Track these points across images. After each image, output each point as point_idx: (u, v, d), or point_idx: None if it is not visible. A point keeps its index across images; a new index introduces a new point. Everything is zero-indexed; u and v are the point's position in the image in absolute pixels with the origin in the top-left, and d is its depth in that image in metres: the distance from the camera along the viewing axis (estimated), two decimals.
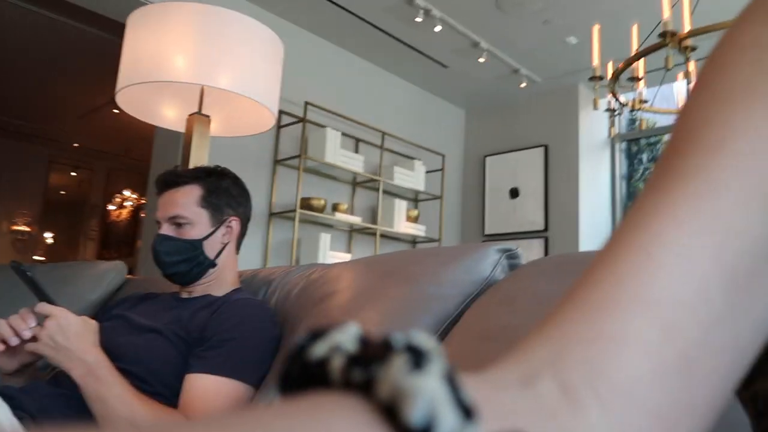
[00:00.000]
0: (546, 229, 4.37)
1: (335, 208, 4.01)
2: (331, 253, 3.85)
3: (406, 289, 0.93)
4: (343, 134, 4.08)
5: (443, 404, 0.16)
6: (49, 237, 7.61)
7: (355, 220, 4.07)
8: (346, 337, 0.18)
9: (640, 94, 2.67)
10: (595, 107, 2.74)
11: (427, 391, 0.16)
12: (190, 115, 2.00)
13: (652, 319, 0.21)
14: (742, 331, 0.21)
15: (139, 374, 1.00)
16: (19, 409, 0.90)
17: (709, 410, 0.21)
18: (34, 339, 0.96)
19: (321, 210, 3.89)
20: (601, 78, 2.61)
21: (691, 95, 0.26)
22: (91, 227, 7.98)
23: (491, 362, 0.83)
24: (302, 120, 3.86)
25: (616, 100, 2.77)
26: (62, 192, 7.74)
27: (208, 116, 2.02)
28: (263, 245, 3.87)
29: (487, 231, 4.68)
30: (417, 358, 0.17)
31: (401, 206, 4.27)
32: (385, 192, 4.30)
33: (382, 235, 4.27)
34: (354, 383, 0.17)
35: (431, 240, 4.49)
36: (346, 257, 3.99)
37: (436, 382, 0.16)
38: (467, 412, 0.16)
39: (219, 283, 1.21)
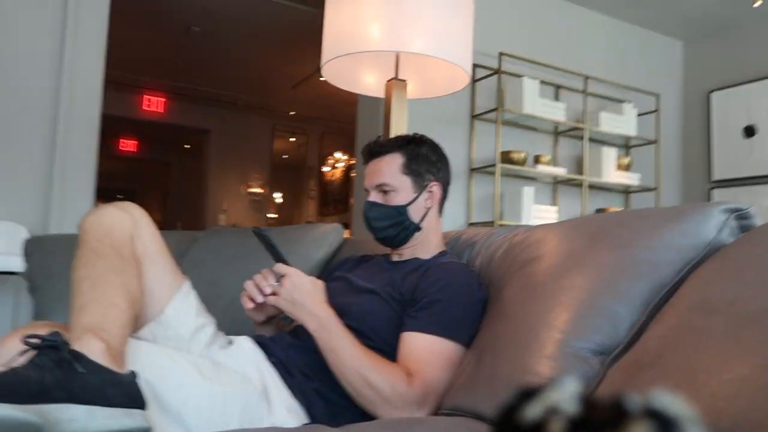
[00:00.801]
0: None
1: (537, 160, 3.90)
2: (535, 206, 3.77)
3: (616, 255, 0.88)
4: (542, 82, 3.90)
5: None
6: (278, 197, 8.64)
7: (559, 171, 3.91)
8: (565, 397, 0.16)
9: None
10: None
11: None
12: (388, 81, 2.09)
13: None
14: None
15: (362, 330, 1.11)
16: (270, 355, 1.07)
17: None
18: (274, 294, 1.12)
19: (522, 163, 3.80)
20: None
21: None
22: (310, 187, 8.87)
23: (716, 338, 0.76)
24: (497, 71, 3.78)
25: None
26: (284, 156, 8.69)
27: (404, 81, 2.09)
28: (466, 201, 3.94)
29: (715, 177, 4.15)
30: (664, 427, 0.14)
31: (610, 154, 3.99)
32: (591, 140, 4.04)
33: (590, 186, 4.04)
34: None
35: (647, 189, 4.13)
36: (551, 210, 3.89)
37: None
38: None
39: (425, 246, 1.28)
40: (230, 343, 1.12)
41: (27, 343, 0.68)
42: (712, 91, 4.25)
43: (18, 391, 0.61)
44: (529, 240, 1.10)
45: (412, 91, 2.27)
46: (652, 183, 4.14)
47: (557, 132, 4.11)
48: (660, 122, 4.16)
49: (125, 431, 0.67)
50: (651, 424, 0.14)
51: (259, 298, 1.13)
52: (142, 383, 0.77)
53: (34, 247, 1.68)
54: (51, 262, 1.62)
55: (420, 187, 1.25)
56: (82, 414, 0.64)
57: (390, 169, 1.24)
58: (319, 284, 1.13)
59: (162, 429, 0.81)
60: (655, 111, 4.16)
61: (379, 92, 2.24)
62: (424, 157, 1.27)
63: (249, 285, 1.15)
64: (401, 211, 1.23)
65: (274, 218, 8.47)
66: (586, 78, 3.98)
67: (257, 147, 8.22)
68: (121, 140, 9.55)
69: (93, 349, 0.74)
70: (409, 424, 0.75)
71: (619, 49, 4.28)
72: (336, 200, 8.47)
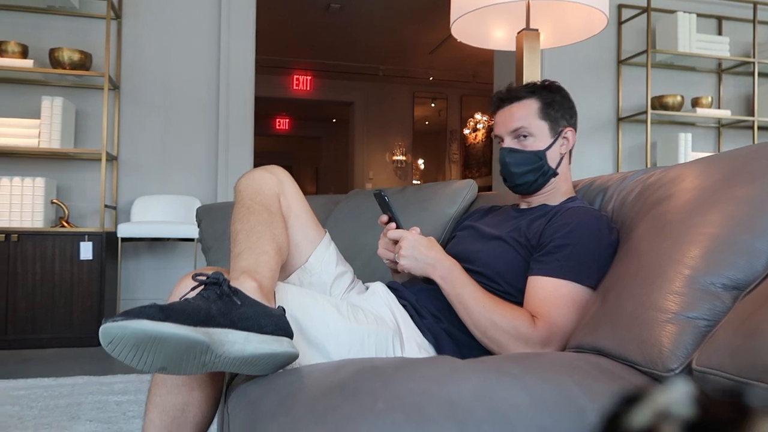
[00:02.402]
0: None
1: (695, 103, 3.55)
2: (693, 154, 3.46)
3: (755, 189, 0.82)
4: (699, 15, 3.52)
5: None
6: (421, 163, 8.78)
7: (723, 113, 3.53)
8: (676, 399, 0.15)
9: None
10: None
11: None
12: (519, 32, 2.04)
13: None
14: None
15: (489, 275, 1.15)
16: (401, 298, 1.15)
17: None
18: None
19: (678, 108, 3.50)
20: None
21: None
22: (453, 151, 8.89)
23: None
24: (646, 9, 3.48)
25: None
26: (426, 122, 8.77)
27: (536, 30, 2.03)
28: (614, 153, 3.72)
29: None
30: None
31: None
32: (763, 75, 3.58)
33: (762, 128, 3.61)
34: None
35: None
36: None
37: None
38: None
39: (555, 193, 1.27)
40: (367, 288, 1.22)
41: (196, 280, 0.82)
42: None
43: (191, 316, 0.74)
44: (663, 179, 1.05)
45: (546, 40, 2.20)
46: None
47: (720, 70, 3.70)
48: None
49: (275, 354, 0.79)
50: None
51: (389, 264, 1.22)
52: (289, 318, 0.88)
53: (204, 214, 1.93)
54: (218, 225, 1.85)
55: (556, 132, 1.25)
56: (240, 338, 0.77)
57: (527, 113, 1.24)
58: (435, 241, 1.18)
59: (308, 357, 0.93)
60: None
61: (512, 45, 2.20)
62: (559, 103, 1.26)
63: (380, 252, 1.23)
64: (540, 156, 1.24)
65: (417, 184, 8.64)
66: (755, 4, 3.52)
67: (399, 115, 8.40)
68: (277, 119, 10.29)
69: (247, 286, 0.86)
70: (528, 357, 0.78)
71: None
72: (480, 163, 8.40)
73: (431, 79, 8.11)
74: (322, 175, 11.06)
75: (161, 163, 3.52)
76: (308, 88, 8.04)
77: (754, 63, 3.47)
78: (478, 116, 8.48)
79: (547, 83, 1.29)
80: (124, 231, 3.13)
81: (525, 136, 1.23)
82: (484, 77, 7.44)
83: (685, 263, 0.79)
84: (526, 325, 1.02)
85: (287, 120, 10.37)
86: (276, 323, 0.82)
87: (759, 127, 3.56)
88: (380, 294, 1.15)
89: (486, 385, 0.65)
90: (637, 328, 0.78)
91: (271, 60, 7.11)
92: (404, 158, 8.41)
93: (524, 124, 1.23)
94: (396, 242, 1.17)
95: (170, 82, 3.53)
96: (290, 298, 0.98)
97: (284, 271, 1.17)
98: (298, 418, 0.61)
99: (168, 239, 3.41)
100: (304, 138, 11.10)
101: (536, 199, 1.28)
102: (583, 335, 0.90)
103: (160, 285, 3.49)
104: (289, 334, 0.83)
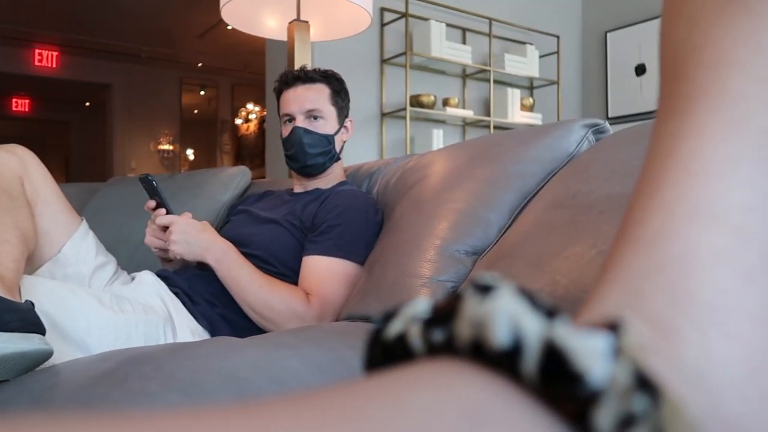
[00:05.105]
0: None
1: (446, 103, 4.00)
2: None
3: (491, 169, 0.97)
4: (448, 25, 3.97)
5: (523, 314, 0.15)
6: (190, 153, 8.36)
7: (467, 113, 4.03)
8: (419, 308, 0.18)
9: None
10: None
11: (502, 310, 0.15)
12: (290, 22, 2.08)
13: (720, 229, 0.20)
14: None
15: (264, 257, 1.16)
16: (173, 286, 1.10)
17: None
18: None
19: (431, 106, 3.89)
20: None
21: (664, 16, 0.26)
22: (224, 142, 8.63)
23: (560, 227, 0.87)
24: (404, 15, 3.80)
25: None
26: (195, 111, 8.38)
27: (306, 22, 2.09)
28: (378, 146, 4.00)
29: (611, 114, 4.43)
30: (484, 291, 0.16)
31: (515, 95, 4.15)
32: (497, 82, 4.18)
33: (496, 127, 4.21)
34: (438, 345, 0.17)
35: None
36: None
37: (509, 300, 0.16)
38: (549, 313, 0.16)
39: (329, 177, 1.33)
40: (133, 279, 1.14)
41: None
42: (608, 31, 4.48)
43: None
44: (420, 164, 1.18)
45: (317, 33, 2.27)
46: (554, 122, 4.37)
47: (465, 75, 4.22)
48: (560, 63, 4.36)
49: (24, 352, 0.69)
50: (476, 292, 0.16)
51: (159, 252, 1.16)
52: (40, 313, 0.79)
53: None
54: None
55: (341, 120, 1.31)
56: None
57: (320, 97, 1.28)
58: (209, 224, 1.16)
59: (65, 354, 0.84)
60: (556, 52, 4.34)
61: (283, 35, 2.22)
62: (344, 93, 1.33)
63: (148, 240, 1.16)
64: (330, 140, 1.28)
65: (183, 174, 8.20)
66: (491, 21, 4.09)
67: (165, 102, 7.87)
68: (14, 99, 8.85)
69: None
70: (305, 329, 0.82)
71: None
72: (252, 154, 8.31)
73: (201, 65, 7.76)
74: (73, 164, 9.83)
75: None
76: (54, 65, 7.06)
77: (490, 71, 4.03)
78: (250, 106, 8.37)
79: (334, 73, 1.35)
80: None
81: (317, 118, 1.27)
82: (257, 67, 7.37)
83: (437, 235, 0.91)
84: (301, 304, 1.05)
85: (27, 101, 8.98)
86: (23, 318, 0.73)
87: (494, 126, 4.15)
88: (148, 283, 1.09)
89: (265, 356, 0.66)
90: (398, 294, 0.88)
91: (5, 29, 6.08)
92: (171, 148, 7.92)
93: (319, 107, 1.27)
94: (166, 229, 1.12)
95: None
96: (40, 292, 0.87)
97: (31, 263, 1.04)
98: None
99: None
100: (50, 122, 9.72)
101: (311, 183, 1.33)
102: (353, 305, 0.97)
103: None
104: (40, 330, 0.74)
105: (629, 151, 0.77)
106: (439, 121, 4.13)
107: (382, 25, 3.85)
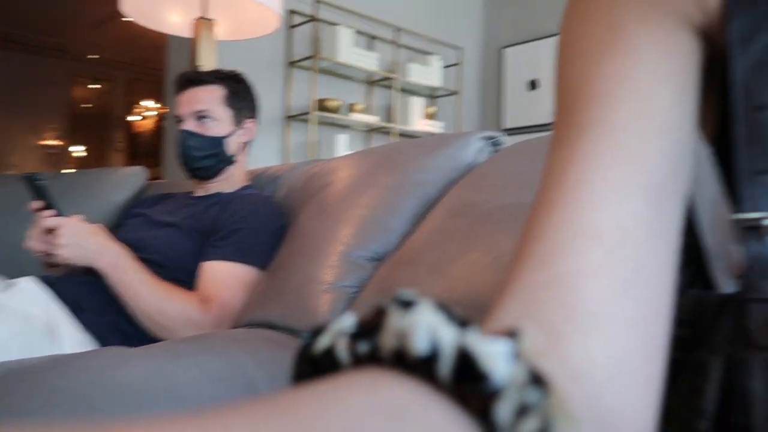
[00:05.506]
0: None
1: (351, 108, 4.02)
2: (350, 153, 3.92)
3: (394, 176, 1.00)
4: (357, 32, 4.01)
5: (440, 325, 0.17)
6: (78, 150, 7.82)
7: (373, 119, 4.08)
8: (346, 323, 0.19)
9: None
10: None
11: (422, 322, 0.17)
12: (195, 19, 2.01)
13: (600, 247, 0.24)
14: (667, 236, 0.25)
15: (160, 262, 1.11)
16: (58, 293, 1.03)
17: (667, 315, 0.25)
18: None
19: (337, 111, 3.90)
20: None
21: (561, 53, 0.30)
22: (117, 139, 8.15)
23: (459, 235, 0.91)
24: (313, 19, 3.79)
25: None
26: (86, 105, 7.85)
27: (212, 20, 2.03)
28: (284, 148, 3.95)
29: (506, 125, 4.65)
30: (406, 305, 0.18)
31: (418, 104, 4.25)
32: (402, 90, 4.27)
33: (400, 134, 4.29)
34: (363, 356, 0.18)
35: None
36: None
37: (428, 313, 0.18)
38: (463, 323, 0.18)
39: (231, 181, 1.30)
40: (10, 285, 1.05)
41: None
42: (505, 46, 4.71)
43: None
44: (325, 170, 1.18)
45: (223, 32, 2.21)
46: (454, 131, 4.52)
47: (371, 81, 4.27)
48: (463, 75, 4.53)
49: None
50: (398, 307, 0.18)
51: (43, 257, 1.08)
52: None
53: None
54: None
55: (238, 121, 1.28)
56: None
57: (212, 98, 1.24)
58: (101, 227, 1.10)
59: None
60: (458, 64, 4.50)
61: (187, 32, 2.14)
62: (243, 94, 1.30)
63: (31, 245, 1.07)
64: (220, 142, 1.24)
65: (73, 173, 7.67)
66: (398, 29, 4.17)
67: (52, 94, 7.31)
68: None
69: None
70: (202, 337, 0.80)
71: (427, 3, 4.53)
72: (147, 153, 7.91)
73: (95, 57, 7.29)
74: None
75: None
76: None
77: (395, 79, 4.11)
78: (148, 103, 7.97)
79: (233, 73, 1.32)
80: None
81: (206, 119, 1.23)
82: (156, 62, 7.04)
83: (340, 240, 0.91)
84: (196, 310, 1.02)
85: None
86: None
87: (398, 133, 4.23)
88: (29, 290, 1.01)
89: (158, 366, 0.64)
90: (300, 300, 0.87)
91: None
92: (58, 143, 7.37)
93: (208, 108, 1.23)
94: (52, 231, 1.04)
95: None
96: None
97: None
98: None
99: None
100: None
101: (212, 186, 1.29)
102: (253, 311, 0.95)
103: None
104: None
105: (522, 163, 0.81)
106: (345, 126, 4.15)
107: (291, 27, 3.81)
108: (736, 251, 0.26)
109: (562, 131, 0.28)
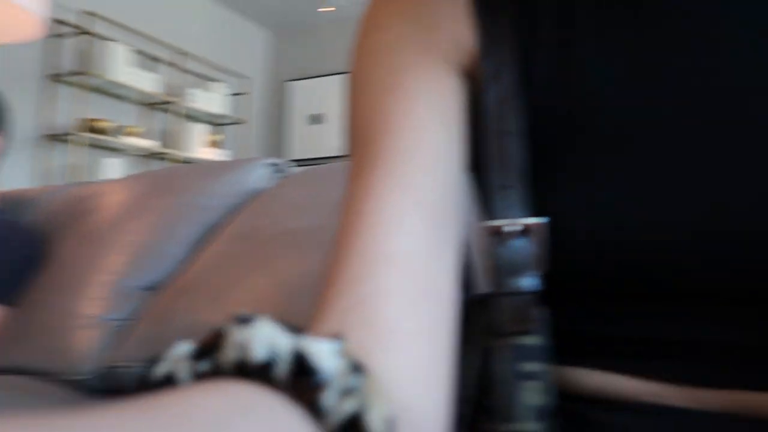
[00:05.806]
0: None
1: (125, 131, 3.73)
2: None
3: (173, 201, 0.94)
4: (137, 51, 3.75)
5: (277, 335, 0.19)
6: None
7: (150, 144, 3.83)
8: (183, 349, 0.20)
9: None
10: None
11: (260, 333, 0.19)
12: None
13: (393, 269, 0.27)
14: (449, 255, 0.29)
15: None
16: None
17: (453, 321, 0.28)
18: None
19: (109, 133, 3.59)
20: None
21: (351, 89, 0.34)
22: None
23: (242, 259, 0.89)
24: (85, 32, 3.46)
25: None
26: None
27: None
28: (38, 171, 3.49)
29: (294, 157, 4.73)
30: (244, 321, 0.20)
31: (201, 130, 4.11)
32: (185, 115, 4.09)
33: (180, 161, 4.09)
34: (205, 374, 0.19)
35: None
36: None
37: (265, 326, 0.19)
38: (297, 331, 0.20)
39: None
40: None
41: None
42: (290, 80, 4.82)
43: None
44: (92, 193, 1.07)
45: None
46: None
47: (149, 104, 4.02)
48: (251, 104, 4.51)
49: None
50: (238, 324, 0.19)
51: None
52: None
53: None
54: None
55: None
56: None
57: None
58: None
59: None
60: (244, 93, 4.48)
61: None
62: None
63: None
64: None
65: None
66: (182, 52, 4.01)
67: None
68: None
69: None
70: None
71: (215, 31, 4.44)
72: None
73: None
74: None
75: None
76: None
77: (176, 102, 3.92)
78: None
79: None
80: None
81: None
82: None
83: (108, 269, 0.83)
84: None
85: None
86: None
87: (179, 160, 4.03)
88: None
89: None
90: (54, 339, 0.77)
91: None
92: None
93: None
94: None
95: None
96: None
97: None
98: None
99: None
100: None
101: None
102: (2, 355, 0.81)
103: None
104: None
105: (305, 190, 0.84)
106: (118, 150, 3.83)
107: (56, 36, 3.43)
108: (488, 255, 0.30)
109: (356, 161, 0.31)
